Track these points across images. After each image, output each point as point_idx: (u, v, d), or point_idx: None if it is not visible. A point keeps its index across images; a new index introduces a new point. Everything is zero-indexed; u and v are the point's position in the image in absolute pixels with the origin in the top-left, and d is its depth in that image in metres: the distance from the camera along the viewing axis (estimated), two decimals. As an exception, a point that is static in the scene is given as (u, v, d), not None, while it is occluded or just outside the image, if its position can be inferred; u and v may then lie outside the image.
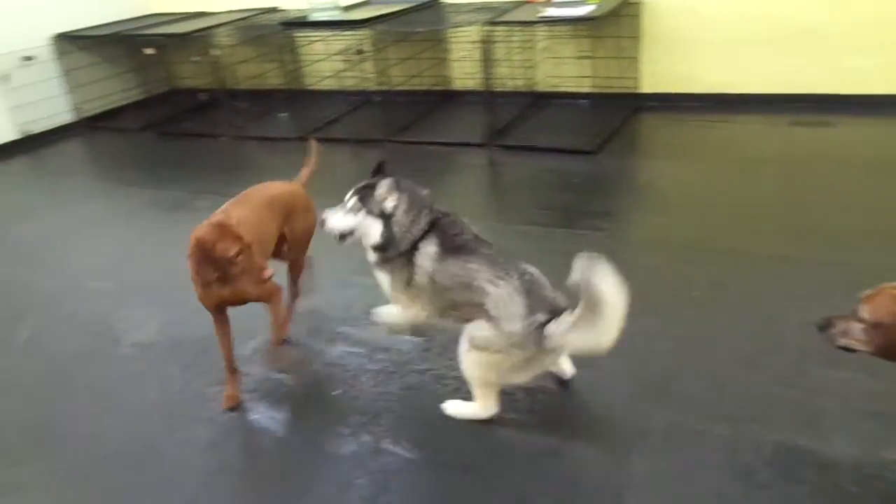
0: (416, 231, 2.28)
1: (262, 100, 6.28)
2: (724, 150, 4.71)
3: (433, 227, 2.29)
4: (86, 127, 6.45)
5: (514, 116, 5.48)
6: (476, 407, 2.38)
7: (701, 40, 5.22)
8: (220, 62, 6.07)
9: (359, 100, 5.95)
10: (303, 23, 5.52)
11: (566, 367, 2.50)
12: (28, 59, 5.96)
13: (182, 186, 4.90)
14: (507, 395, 2.41)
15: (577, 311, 2.01)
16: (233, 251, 2.19)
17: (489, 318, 2.16)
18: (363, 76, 5.78)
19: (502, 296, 2.13)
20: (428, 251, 2.26)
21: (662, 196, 4.16)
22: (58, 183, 5.47)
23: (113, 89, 6.65)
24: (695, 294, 3.04)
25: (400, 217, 2.27)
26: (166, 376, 2.82)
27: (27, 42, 5.95)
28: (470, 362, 2.28)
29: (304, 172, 3.10)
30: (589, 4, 4.82)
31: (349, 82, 5.73)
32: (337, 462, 2.31)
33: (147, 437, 2.52)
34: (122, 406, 2.69)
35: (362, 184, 2.35)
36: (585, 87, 5.60)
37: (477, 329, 2.21)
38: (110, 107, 6.60)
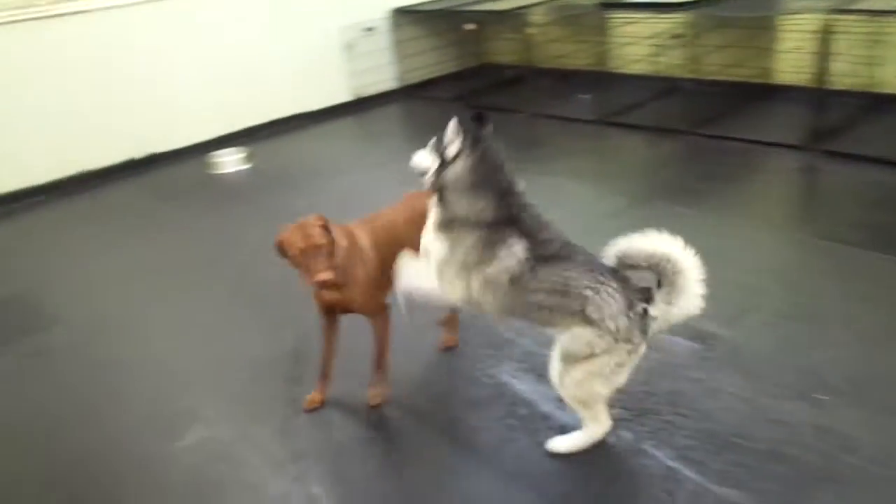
0: (478, 211, 2.10)
1: (566, 79, 6.34)
2: None
3: (515, 223, 2.11)
4: (406, 94, 7.12)
5: (845, 119, 4.81)
6: (589, 431, 2.27)
7: None
8: (531, 40, 6.25)
9: (665, 87, 5.70)
10: (621, 4, 5.41)
11: None
12: (369, 29, 6.74)
13: (480, 157, 5.16)
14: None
15: (664, 287, 2.07)
16: (295, 248, 2.23)
17: (589, 321, 2.07)
18: (674, 62, 5.51)
19: (603, 298, 2.07)
20: (515, 252, 2.10)
21: None
22: (376, 143, 6.15)
23: (433, 61, 7.23)
24: None
25: (459, 172, 2.12)
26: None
27: (371, 14, 6.72)
28: (572, 381, 2.16)
29: None
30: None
31: (658, 67, 5.51)
32: (590, 449, 2.28)
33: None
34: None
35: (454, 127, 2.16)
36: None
37: (573, 341, 2.11)
38: (428, 77, 7.19)
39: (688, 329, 2.81)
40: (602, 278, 2.09)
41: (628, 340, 2.09)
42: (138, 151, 5.72)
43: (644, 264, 2.10)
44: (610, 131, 5.47)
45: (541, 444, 2.34)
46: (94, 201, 5.22)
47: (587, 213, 4.03)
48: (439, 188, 2.17)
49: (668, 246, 2.07)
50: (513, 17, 6.12)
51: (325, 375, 2.61)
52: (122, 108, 5.53)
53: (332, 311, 2.49)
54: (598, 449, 2.29)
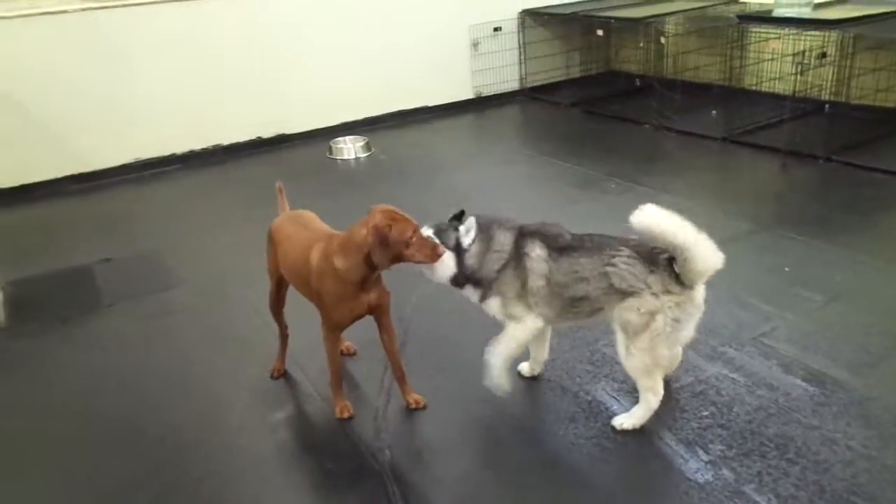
0: (501, 254, 2.37)
1: (695, 93, 6.08)
2: None
3: (528, 235, 2.39)
4: (526, 96, 7.08)
5: None
6: (647, 402, 2.39)
7: None
8: (662, 50, 6.04)
9: (802, 108, 5.35)
10: (764, 18, 5.13)
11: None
12: (497, 29, 6.75)
13: (596, 166, 5.06)
14: None
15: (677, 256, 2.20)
16: (409, 232, 2.25)
17: (622, 292, 2.26)
18: (816, 83, 5.16)
19: (621, 268, 2.26)
20: (537, 254, 2.36)
21: None
22: (492, 143, 6.15)
23: (557, 65, 7.15)
24: None
25: (478, 251, 2.39)
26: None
27: (500, 14, 6.72)
28: (639, 350, 2.29)
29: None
30: None
31: (797, 87, 5.17)
32: (686, 485, 2.18)
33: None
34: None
35: (441, 223, 2.44)
36: None
37: (622, 316, 2.28)
38: (550, 80, 7.12)
39: (804, 369, 2.65)
40: (613, 251, 2.29)
41: (668, 292, 2.23)
42: (267, 131, 6.01)
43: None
44: (738, 150, 5.21)
45: (632, 470, 2.26)
46: (224, 173, 5.54)
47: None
48: (468, 276, 2.41)
49: (665, 224, 2.22)
50: (645, 25, 5.94)
51: (339, 384, 2.62)
52: (256, 89, 5.83)
53: (359, 318, 2.47)
54: (695, 483, 2.18)
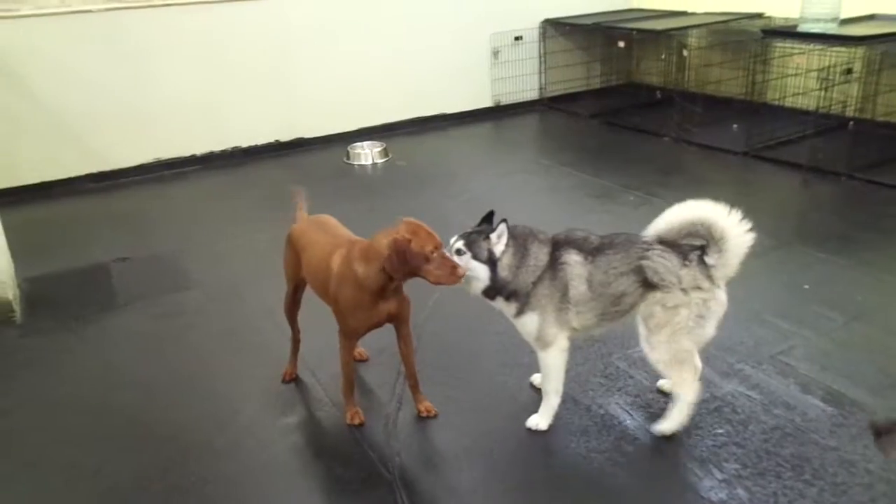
0: (536, 267, 2.33)
1: (716, 107, 6.03)
2: None
3: (561, 244, 2.37)
4: (545, 106, 7.06)
5: None
6: (683, 400, 2.37)
7: None
8: (684, 62, 6.00)
9: (825, 124, 5.28)
10: (789, 33, 5.08)
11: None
12: (518, 38, 6.74)
13: (614, 178, 5.02)
14: None
15: (713, 244, 2.25)
16: (429, 248, 2.21)
17: (653, 285, 2.28)
18: (840, 99, 5.10)
19: (655, 261, 2.28)
20: (574, 259, 2.33)
21: None
22: (510, 152, 6.13)
23: (577, 75, 7.13)
24: None
25: (511, 262, 2.32)
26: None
27: (521, 24, 6.72)
28: (661, 343, 2.31)
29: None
30: None
31: (821, 103, 5.12)
32: (697, 500, 2.14)
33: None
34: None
35: (468, 230, 2.38)
36: None
37: (648, 308, 2.30)
38: (570, 91, 7.09)
39: (822, 389, 2.60)
40: (646, 245, 2.32)
41: (697, 288, 2.26)
42: (285, 135, 6.04)
43: (684, 234, 2.30)
44: (759, 165, 5.15)
45: (645, 486, 2.23)
46: (242, 176, 5.57)
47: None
48: (501, 288, 2.34)
49: (702, 210, 2.26)
50: (668, 38, 5.91)
51: (352, 392, 2.60)
52: (275, 92, 5.86)
53: (376, 327, 2.46)
54: (709, 502, 2.14)
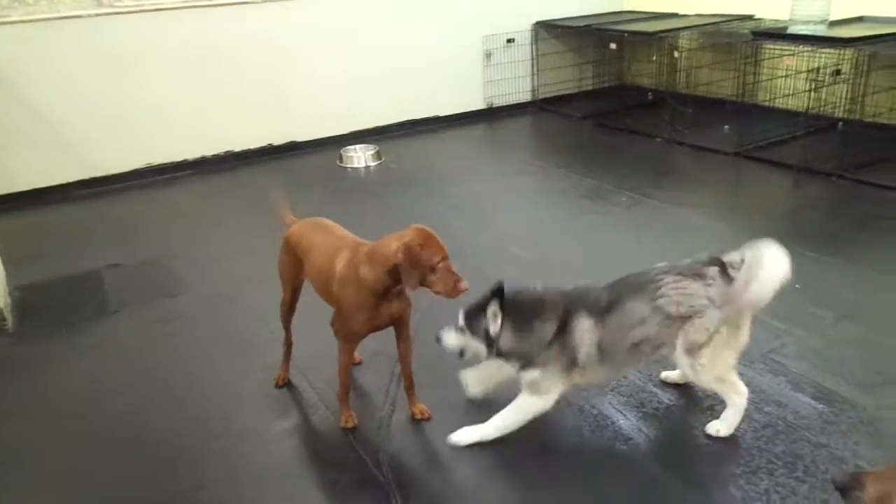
0: (548, 331, 2.28)
1: (707, 108, 6.06)
2: None
3: (570, 310, 2.30)
4: (538, 108, 7.08)
5: None
6: (735, 405, 2.38)
7: None
8: (675, 64, 6.03)
9: (815, 125, 5.31)
10: (778, 34, 5.11)
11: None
12: (510, 41, 6.76)
13: (606, 178, 5.04)
14: None
15: (745, 266, 2.20)
16: (436, 258, 2.19)
17: (681, 317, 2.25)
18: (829, 100, 5.13)
19: (671, 294, 2.25)
20: (584, 326, 2.28)
21: None
22: (503, 154, 6.14)
23: (569, 77, 7.15)
24: None
25: (510, 336, 2.29)
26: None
27: (513, 26, 6.74)
28: (706, 365, 2.29)
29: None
30: None
31: (810, 104, 5.15)
32: (690, 502, 2.15)
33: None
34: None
35: (473, 303, 2.35)
36: None
37: (687, 337, 2.26)
38: (562, 93, 7.11)
39: (813, 387, 2.61)
40: (657, 281, 2.28)
41: (728, 302, 2.22)
42: (277, 138, 6.04)
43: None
44: (750, 166, 5.18)
45: (639, 484, 2.24)
46: (234, 180, 5.56)
47: (710, 250, 3.81)
48: (504, 355, 2.34)
49: (763, 250, 2.22)
50: (659, 40, 5.94)
51: (347, 396, 2.59)
52: (267, 96, 5.86)
53: (377, 329, 2.45)
54: (704, 503, 2.15)
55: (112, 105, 5.30)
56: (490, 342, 2.31)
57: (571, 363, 2.31)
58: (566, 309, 2.31)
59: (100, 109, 5.27)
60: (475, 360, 2.45)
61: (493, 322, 2.29)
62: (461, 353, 2.44)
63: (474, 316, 2.34)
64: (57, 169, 5.27)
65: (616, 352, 2.31)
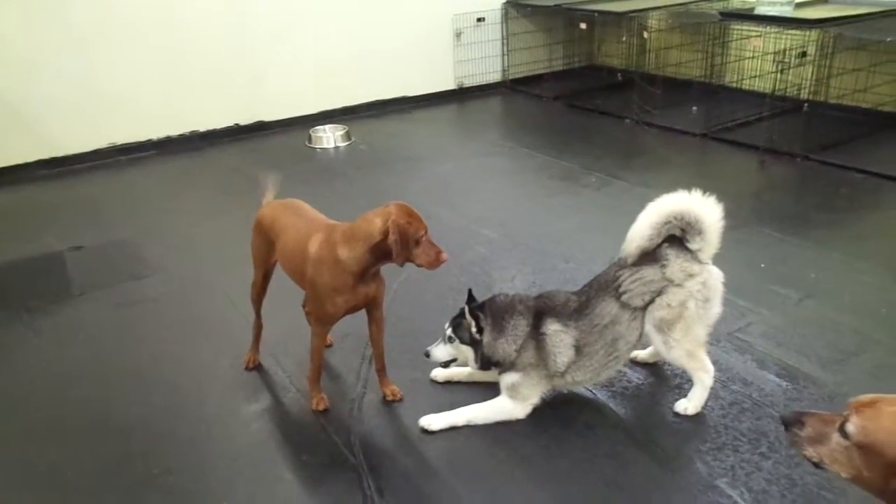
0: (521, 330, 2.40)
1: (676, 89, 6.09)
2: None
3: (541, 314, 2.42)
4: (508, 88, 7.06)
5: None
6: (701, 384, 2.44)
7: None
8: (645, 45, 6.05)
9: (781, 107, 5.39)
10: (746, 15, 5.15)
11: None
12: (480, 20, 6.71)
13: (576, 159, 5.06)
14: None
15: (691, 230, 2.33)
16: (421, 233, 2.24)
17: (650, 302, 2.35)
18: (795, 82, 5.20)
19: (630, 286, 2.35)
20: (553, 329, 2.39)
21: None
22: (473, 135, 6.12)
23: (539, 57, 7.13)
24: None
25: (491, 338, 2.41)
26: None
27: (484, 5, 6.69)
28: (678, 339, 2.35)
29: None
30: None
31: (777, 86, 5.21)
32: (658, 478, 2.19)
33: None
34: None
35: (456, 315, 2.49)
36: None
37: (657, 311, 2.35)
38: (532, 73, 7.09)
39: (778, 365, 2.67)
40: (615, 281, 2.38)
41: (690, 276, 2.32)
42: (245, 118, 5.93)
43: (664, 233, 2.35)
44: (717, 147, 5.24)
45: (606, 463, 2.27)
46: (200, 161, 5.46)
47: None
48: (488, 360, 2.45)
49: (670, 205, 2.35)
50: (629, 20, 5.94)
51: (318, 378, 2.59)
52: (234, 75, 5.74)
53: (353, 311, 2.44)
54: (670, 478, 2.19)
55: (74, 83, 5.14)
56: (476, 344, 2.43)
57: (548, 366, 2.40)
58: (537, 311, 2.43)
59: (61, 87, 5.11)
60: (468, 365, 2.55)
61: (471, 324, 2.42)
62: (447, 363, 2.61)
63: (459, 324, 2.47)
64: (15, 148, 5.11)
65: (596, 351, 2.39)
